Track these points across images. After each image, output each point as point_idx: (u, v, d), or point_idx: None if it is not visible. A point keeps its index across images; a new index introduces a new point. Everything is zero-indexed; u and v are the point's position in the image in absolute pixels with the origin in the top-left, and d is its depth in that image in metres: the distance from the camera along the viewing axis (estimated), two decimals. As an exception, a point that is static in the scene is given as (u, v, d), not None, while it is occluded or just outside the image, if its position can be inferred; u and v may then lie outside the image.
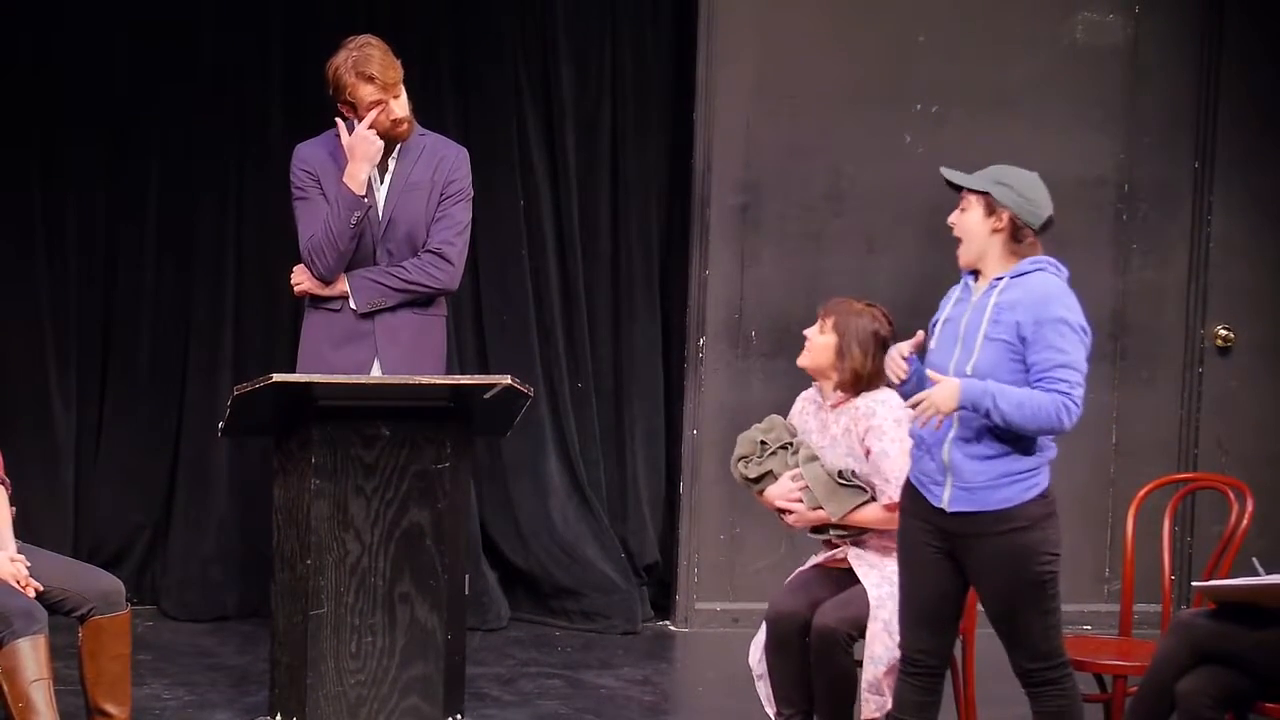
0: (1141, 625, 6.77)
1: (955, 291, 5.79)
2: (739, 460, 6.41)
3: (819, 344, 6.29)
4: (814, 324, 6.35)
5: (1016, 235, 5.66)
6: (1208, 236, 8.72)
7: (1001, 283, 5.65)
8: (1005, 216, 5.65)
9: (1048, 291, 5.61)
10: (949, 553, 5.72)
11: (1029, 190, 5.68)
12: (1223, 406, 8.77)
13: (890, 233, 8.50)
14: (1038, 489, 5.64)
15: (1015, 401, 5.50)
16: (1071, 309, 5.60)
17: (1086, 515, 8.63)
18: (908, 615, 5.82)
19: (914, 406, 5.60)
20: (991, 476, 5.61)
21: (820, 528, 6.29)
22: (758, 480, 6.35)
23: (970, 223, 5.69)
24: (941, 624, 5.82)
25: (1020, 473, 5.61)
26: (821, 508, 6.20)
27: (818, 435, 6.33)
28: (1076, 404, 5.52)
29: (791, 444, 6.33)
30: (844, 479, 6.18)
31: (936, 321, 5.79)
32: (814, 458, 6.26)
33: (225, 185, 8.41)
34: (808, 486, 6.23)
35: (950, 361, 5.65)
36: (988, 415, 5.52)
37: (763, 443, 6.36)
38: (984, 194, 5.66)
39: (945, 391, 5.54)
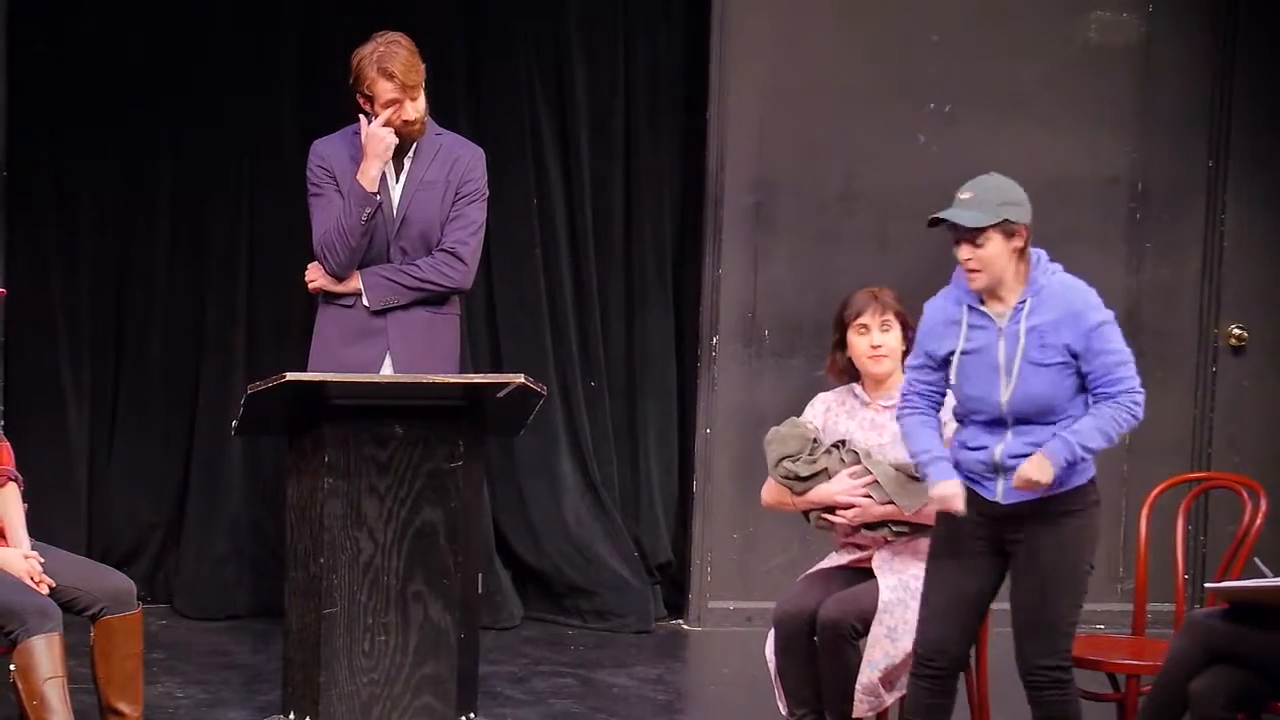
0: (1155, 625, 6.75)
1: (960, 316, 5.73)
2: (784, 459, 6.34)
3: (893, 349, 6.28)
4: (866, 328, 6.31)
5: (1026, 243, 5.69)
6: (1221, 235, 8.71)
7: (1026, 305, 5.65)
8: (1023, 231, 5.67)
9: (1080, 299, 5.66)
10: (996, 547, 5.74)
11: (1019, 195, 5.70)
12: (1236, 406, 8.76)
13: (903, 232, 8.49)
14: (1088, 474, 5.71)
15: (1096, 431, 5.57)
16: (1099, 305, 5.68)
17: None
18: (937, 611, 5.80)
19: (1017, 487, 5.62)
20: None
21: (875, 525, 6.26)
22: (808, 479, 6.30)
23: (992, 255, 5.65)
24: (969, 624, 5.84)
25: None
26: (891, 503, 6.17)
27: (865, 434, 6.29)
28: (1141, 390, 5.64)
29: (844, 442, 6.30)
30: (917, 474, 6.13)
31: (951, 353, 5.74)
32: (868, 454, 6.24)
33: (237, 184, 8.42)
34: (875, 482, 6.20)
35: (999, 395, 5.65)
36: (1082, 459, 5.58)
37: (815, 440, 6.32)
38: (999, 224, 5.64)
39: (1039, 467, 5.56)
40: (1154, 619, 6.74)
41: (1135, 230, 8.69)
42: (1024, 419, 5.65)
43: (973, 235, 5.64)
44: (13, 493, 6.20)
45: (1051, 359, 5.62)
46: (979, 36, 8.52)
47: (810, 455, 6.28)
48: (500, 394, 6.33)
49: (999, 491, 5.70)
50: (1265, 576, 5.94)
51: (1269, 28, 8.66)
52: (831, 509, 6.25)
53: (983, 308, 5.70)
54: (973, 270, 5.67)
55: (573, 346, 8.63)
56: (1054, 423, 5.64)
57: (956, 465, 5.78)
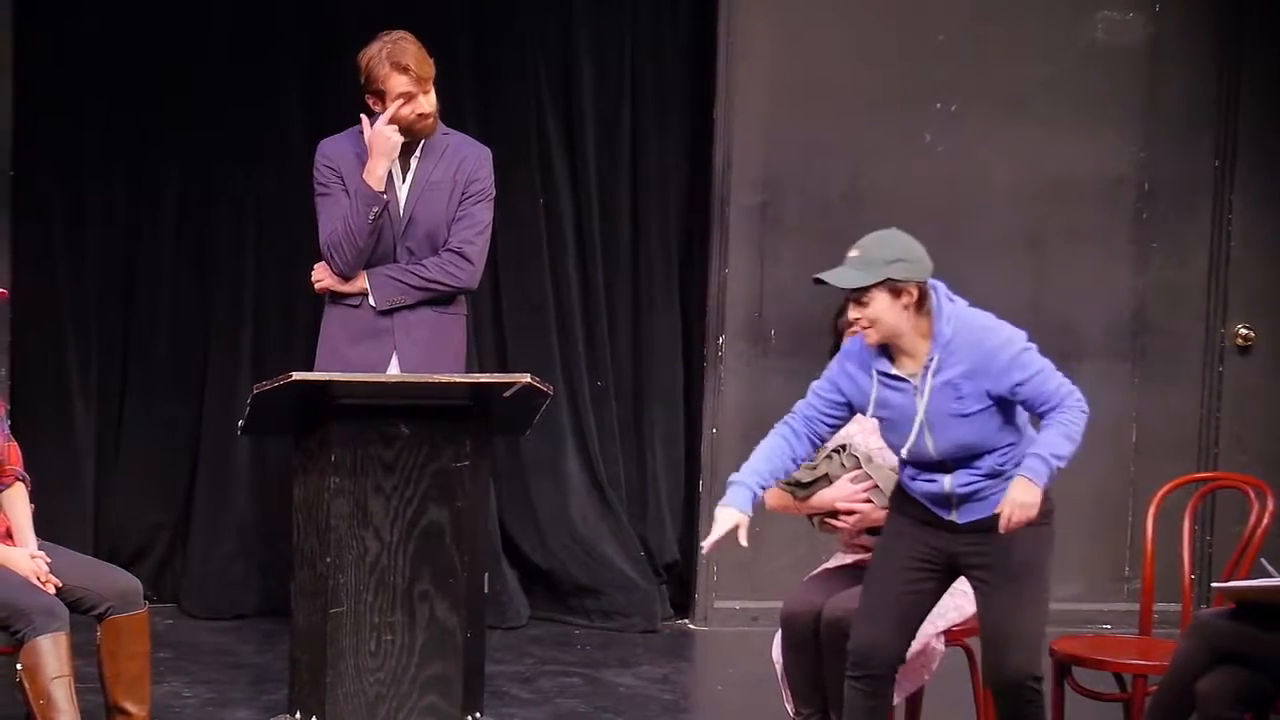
0: (1161, 625, 6.76)
1: (870, 374, 5.65)
2: None
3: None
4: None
5: (923, 298, 5.60)
6: (1228, 235, 8.70)
7: (934, 361, 5.58)
8: (913, 289, 5.58)
9: (988, 339, 5.57)
10: (949, 562, 5.74)
11: (913, 251, 5.62)
12: (1243, 406, 8.76)
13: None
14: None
15: (1061, 439, 5.50)
16: (1002, 333, 5.60)
17: (1106, 514, 8.62)
18: (874, 613, 5.77)
19: (1004, 519, 5.54)
20: (996, 483, 5.64)
21: (878, 529, 6.25)
22: (809, 485, 6.29)
23: (878, 313, 5.56)
24: (906, 630, 5.81)
25: (1009, 475, 5.62)
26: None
27: (866, 438, 6.29)
28: (1075, 387, 5.56)
29: (844, 446, 6.29)
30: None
31: (863, 406, 5.69)
32: (869, 459, 6.24)
33: (244, 184, 8.42)
34: (876, 487, 6.19)
35: (926, 447, 5.62)
36: (1057, 469, 5.53)
37: None
38: (881, 283, 5.56)
39: (1026, 493, 5.49)
40: (1160, 619, 6.74)
41: (1141, 230, 8.68)
42: (959, 459, 5.64)
43: (857, 294, 5.58)
44: (20, 493, 6.22)
45: (971, 408, 5.57)
46: (985, 36, 8.52)
47: (811, 461, 6.27)
48: (506, 394, 6.33)
49: (954, 515, 5.70)
50: (1271, 576, 5.94)
51: (1275, 27, 8.66)
52: (834, 514, 6.26)
53: (894, 369, 5.64)
54: (862, 328, 5.60)
55: (579, 346, 8.63)
56: (992, 451, 5.62)
57: (908, 489, 5.76)
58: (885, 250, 5.60)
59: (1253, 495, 6.47)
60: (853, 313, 5.62)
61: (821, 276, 5.62)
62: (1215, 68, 8.65)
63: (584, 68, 8.57)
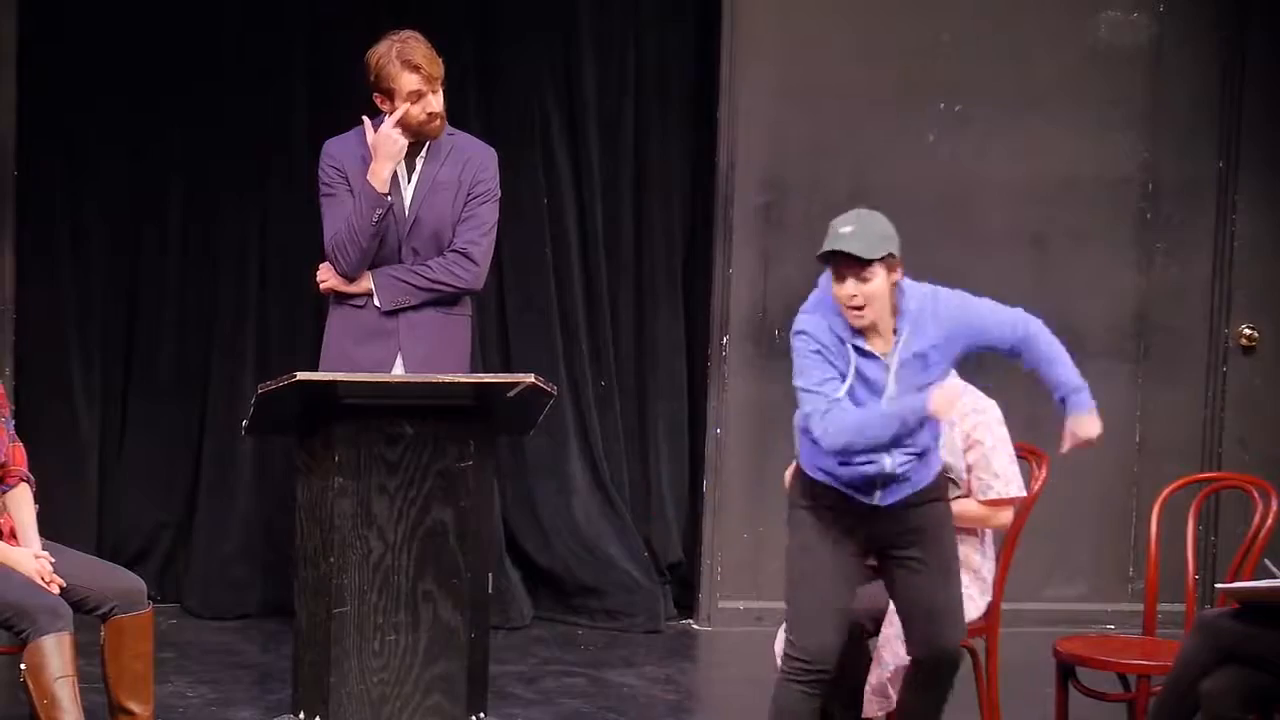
0: (1165, 625, 6.75)
1: (847, 350, 5.65)
2: None
3: None
4: None
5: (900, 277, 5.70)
6: (1232, 235, 8.70)
7: (902, 338, 5.63)
8: (899, 266, 5.64)
9: (942, 305, 5.68)
10: (874, 547, 5.79)
11: (892, 229, 5.66)
12: (1247, 406, 8.75)
13: (913, 231, 8.38)
14: (940, 463, 5.82)
15: (1067, 363, 5.75)
16: (945, 290, 5.73)
17: (1110, 514, 8.62)
18: (814, 615, 5.76)
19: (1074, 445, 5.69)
20: (919, 462, 5.71)
21: None
22: None
23: (877, 289, 5.59)
24: (843, 625, 5.82)
25: (929, 450, 5.73)
26: None
27: None
28: (1032, 317, 5.76)
29: None
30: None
31: (830, 377, 5.68)
32: None
33: (248, 185, 8.43)
34: None
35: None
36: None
37: None
38: (884, 258, 5.60)
39: (1094, 423, 5.68)
40: (1164, 619, 6.73)
41: (1146, 230, 8.68)
42: (902, 437, 5.66)
43: (860, 269, 5.58)
44: (25, 493, 6.22)
45: (935, 376, 5.64)
46: (989, 36, 8.51)
47: None
48: (510, 394, 6.33)
49: (877, 498, 5.72)
50: (1275, 577, 5.94)
51: (1279, 27, 8.65)
52: None
53: (866, 345, 5.66)
54: (856, 307, 5.60)
55: (583, 346, 8.63)
56: (923, 427, 5.66)
57: (827, 478, 5.74)
58: (878, 226, 5.65)
59: (1256, 495, 6.47)
60: (851, 288, 5.59)
61: (843, 248, 5.58)
62: (1219, 67, 8.65)
63: (587, 68, 8.57)
